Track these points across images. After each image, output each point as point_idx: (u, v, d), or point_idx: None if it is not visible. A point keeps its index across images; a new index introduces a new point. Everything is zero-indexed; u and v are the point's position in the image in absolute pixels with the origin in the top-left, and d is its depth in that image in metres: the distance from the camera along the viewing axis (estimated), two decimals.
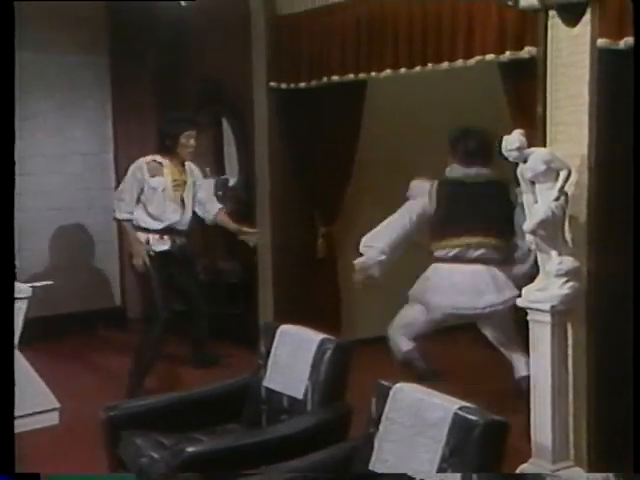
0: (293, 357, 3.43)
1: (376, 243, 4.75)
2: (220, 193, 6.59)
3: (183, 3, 5.71)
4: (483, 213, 4.67)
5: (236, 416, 3.56)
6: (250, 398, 3.56)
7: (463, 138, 4.75)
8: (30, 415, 4.67)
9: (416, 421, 2.59)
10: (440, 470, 2.47)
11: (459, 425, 2.48)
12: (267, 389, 3.51)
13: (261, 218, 6.18)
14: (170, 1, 5.80)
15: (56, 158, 7.05)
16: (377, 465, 2.64)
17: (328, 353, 3.29)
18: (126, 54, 7.08)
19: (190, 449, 2.97)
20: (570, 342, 3.47)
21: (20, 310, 4.86)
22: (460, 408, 2.52)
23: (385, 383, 2.74)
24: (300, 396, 3.33)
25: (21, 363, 4.78)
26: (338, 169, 5.76)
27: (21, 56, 6.62)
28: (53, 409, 4.79)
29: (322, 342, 3.34)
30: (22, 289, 4.88)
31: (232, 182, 6.69)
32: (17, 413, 4.57)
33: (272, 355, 3.54)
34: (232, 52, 6.27)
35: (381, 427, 2.66)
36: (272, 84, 5.76)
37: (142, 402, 3.65)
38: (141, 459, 3.14)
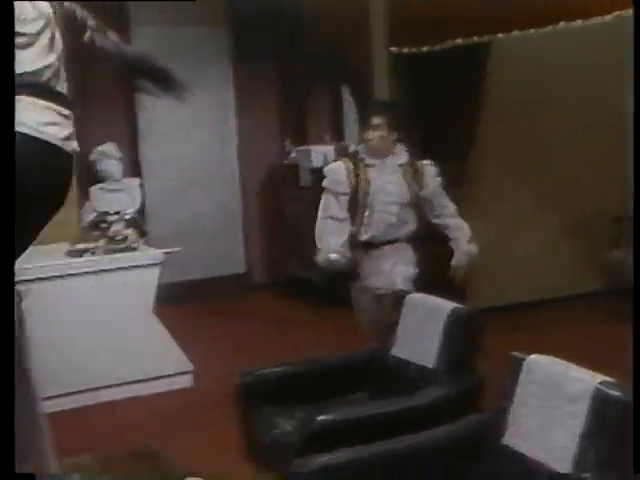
0: (422, 326, 3.35)
1: None
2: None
3: None
4: None
5: (364, 385, 3.52)
6: (379, 367, 3.51)
7: None
8: (166, 377, 4.82)
9: (553, 394, 2.47)
10: (580, 448, 2.35)
11: (600, 401, 2.35)
12: (396, 358, 3.46)
13: None
14: None
15: (181, 128, 7.16)
16: (513, 439, 2.54)
17: (459, 322, 3.20)
18: (247, 24, 7.10)
19: (321, 418, 2.95)
20: None
21: (153, 275, 4.98)
22: (601, 383, 2.39)
23: (518, 354, 2.62)
24: (430, 365, 3.26)
25: (156, 326, 4.90)
26: (461, 135, 5.61)
27: (145, 31, 6.87)
28: (187, 372, 4.91)
29: (453, 311, 3.25)
30: (155, 255, 5.00)
31: (352, 148, 6.62)
32: (152, 375, 4.74)
33: (401, 323, 3.48)
34: (351, 18, 6.18)
35: (515, 400, 2.55)
36: (393, 49, 5.64)
37: (274, 369, 3.64)
38: (274, 430, 3.14)
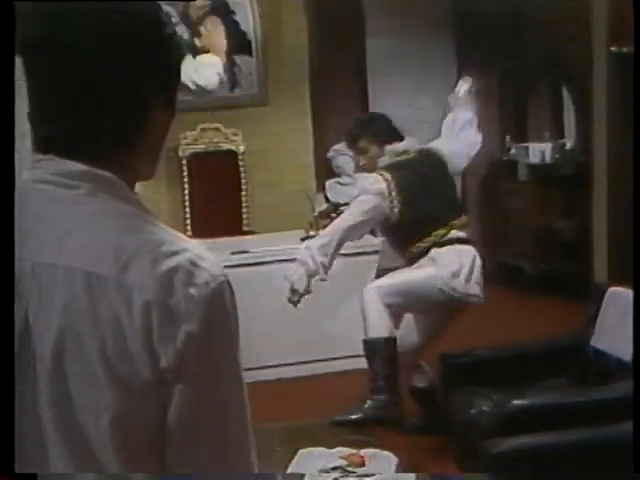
0: (623, 319, 3.14)
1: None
2: (557, 156, 6.30)
3: None
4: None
5: (563, 372, 3.37)
6: (577, 356, 3.35)
7: None
8: None
9: None
10: None
11: None
12: (595, 349, 3.28)
13: (598, 182, 5.78)
14: None
15: (408, 127, 7.17)
16: None
17: None
18: (469, 32, 7.00)
19: (516, 402, 2.87)
20: None
21: (373, 261, 5.06)
22: None
23: None
24: (627, 359, 3.06)
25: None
26: None
27: (378, 41, 6.97)
28: None
29: None
30: (375, 243, 5.07)
31: (569, 145, 6.34)
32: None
33: (601, 315, 3.29)
34: (574, 15, 5.88)
35: None
36: (613, 48, 5.29)
37: (476, 352, 3.59)
38: (470, 410, 3.09)
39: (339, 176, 6.86)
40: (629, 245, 5.44)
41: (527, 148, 6.55)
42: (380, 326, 3.47)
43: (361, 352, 4.70)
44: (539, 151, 6.46)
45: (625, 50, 5.11)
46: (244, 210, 6.56)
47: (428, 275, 3.47)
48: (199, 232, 6.37)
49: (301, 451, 2.49)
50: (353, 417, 3.27)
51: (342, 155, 6.83)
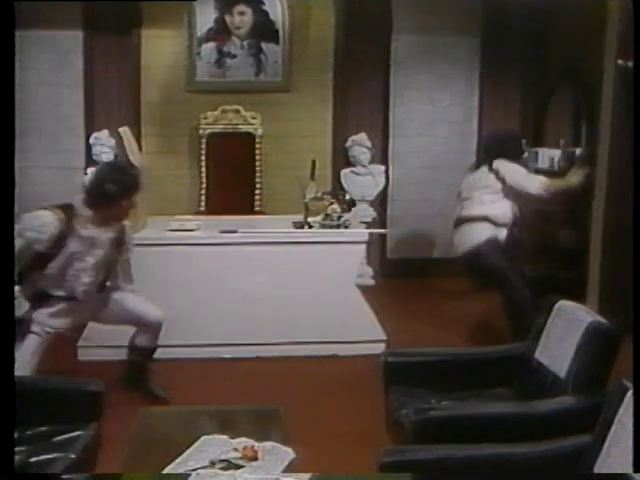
0: (563, 334, 2.92)
1: None
2: (564, 164, 5.99)
3: None
4: None
5: (508, 382, 3.15)
6: (522, 367, 3.13)
7: None
8: (358, 342, 4.70)
9: None
10: None
11: None
12: (537, 361, 3.05)
13: (599, 190, 5.48)
14: None
15: (427, 124, 6.95)
16: (603, 469, 2.12)
17: (593, 337, 2.73)
18: (495, 35, 6.69)
19: (434, 412, 2.67)
20: None
21: (359, 251, 4.88)
22: None
23: (626, 383, 2.16)
24: (562, 375, 2.83)
25: (356, 296, 4.81)
26: None
27: (404, 38, 6.72)
28: (380, 340, 4.76)
29: (591, 324, 2.77)
30: (361, 234, 4.87)
31: (578, 154, 6.02)
32: (344, 338, 4.65)
33: (547, 328, 3.06)
34: (588, 32, 5.55)
35: (612, 430, 2.12)
36: (620, 62, 4.96)
37: (418, 353, 3.38)
38: (401, 411, 2.91)
39: (354, 166, 6.68)
40: (622, 254, 5.17)
41: (537, 153, 6.24)
42: None
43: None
44: (548, 157, 6.14)
45: (630, 64, 4.79)
46: (257, 192, 6.45)
47: None
48: (212, 209, 6.30)
49: (204, 437, 2.37)
50: None
51: (359, 146, 6.65)
